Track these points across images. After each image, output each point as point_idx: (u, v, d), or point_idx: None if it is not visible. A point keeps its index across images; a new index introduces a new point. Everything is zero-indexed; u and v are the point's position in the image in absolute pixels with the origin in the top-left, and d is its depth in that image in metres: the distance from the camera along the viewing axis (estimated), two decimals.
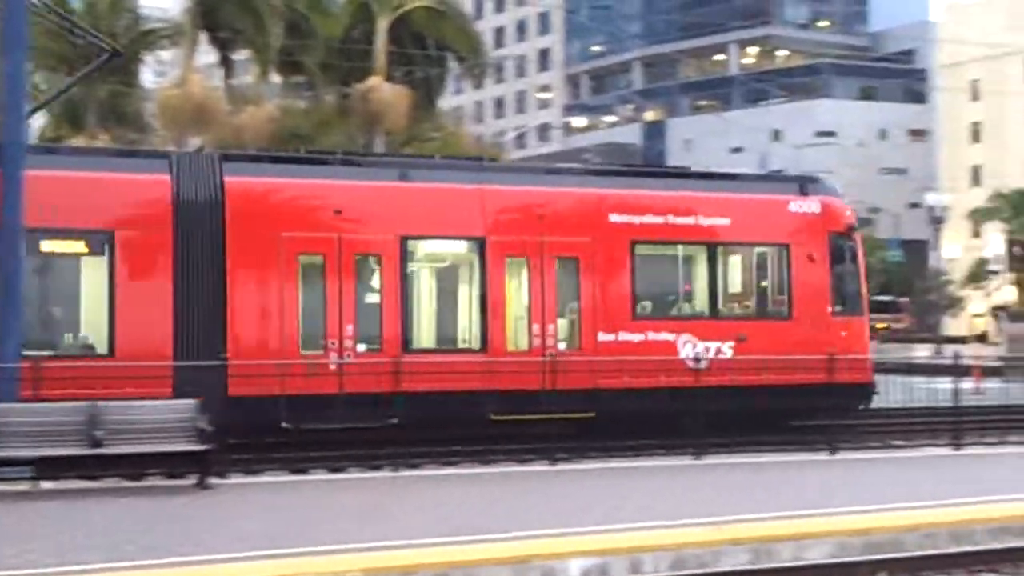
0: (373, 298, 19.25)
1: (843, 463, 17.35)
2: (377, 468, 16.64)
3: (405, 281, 19.35)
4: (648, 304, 20.66)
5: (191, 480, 14.52)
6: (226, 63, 45.23)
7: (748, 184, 22.92)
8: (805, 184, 22.29)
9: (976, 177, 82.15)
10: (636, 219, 20.55)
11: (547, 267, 19.88)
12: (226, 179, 18.57)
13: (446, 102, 59.41)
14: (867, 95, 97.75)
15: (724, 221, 21.17)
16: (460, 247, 20.19)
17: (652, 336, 20.30)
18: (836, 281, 21.64)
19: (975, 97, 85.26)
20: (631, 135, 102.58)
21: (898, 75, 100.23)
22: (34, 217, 15.71)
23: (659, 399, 19.04)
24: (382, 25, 42.87)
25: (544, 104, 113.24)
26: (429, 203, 19.59)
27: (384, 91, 41.40)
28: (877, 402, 22.03)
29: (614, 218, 20.41)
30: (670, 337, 20.35)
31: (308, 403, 17.75)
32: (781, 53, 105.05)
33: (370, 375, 17.67)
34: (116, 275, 17.79)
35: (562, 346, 19.76)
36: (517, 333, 19.84)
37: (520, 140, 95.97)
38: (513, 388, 18.59)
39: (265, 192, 18.89)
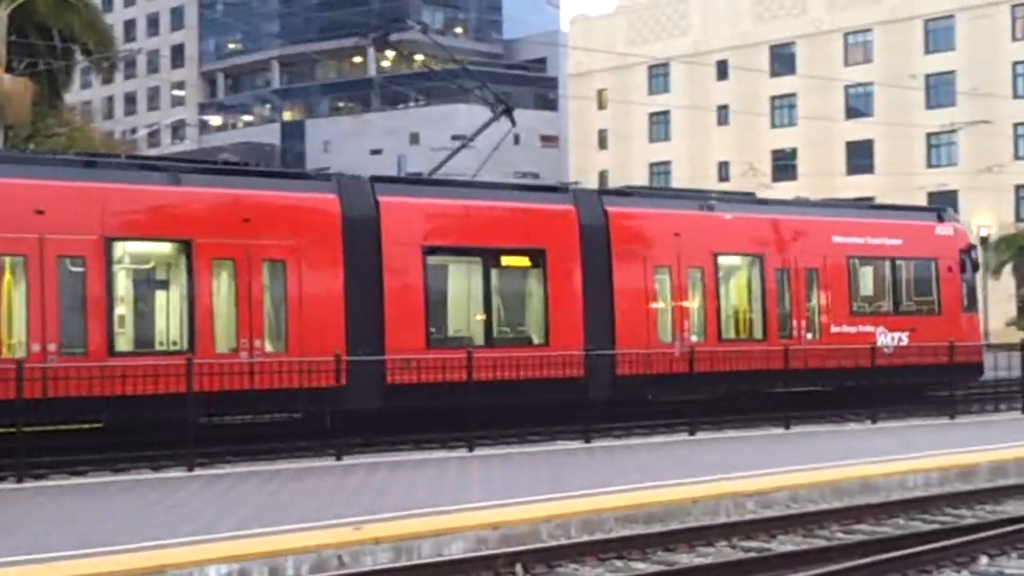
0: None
1: (480, 458, 17.71)
2: (2, 479, 15.68)
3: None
4: (859, 304, 26.46)
5: None
6: None
7: (908, 213, 29.84)
8: (941, 213, 29.19)
9: (603, 181, 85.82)
10: (849, 240, 26.38)
11: (799, 276, 25.43)
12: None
13: (74, 96, 56.84)
14: (502, 101, 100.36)
15: (898, 241, 27.21)
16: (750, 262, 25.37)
17: (862, 328, 25.92)
18: (964, 286, 27.68)
19: (602, 105, 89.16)
20: (269, 135, 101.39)
21: (530, 83, 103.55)
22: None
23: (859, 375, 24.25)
24: (1, 14, 40.51)
25: (178, 101, 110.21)
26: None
27: (4, 83, 39.11)
28: None
29: (836, 239, 26.13)
30: (872, 329, 25.97)
31: None
32: (418, 57, 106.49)
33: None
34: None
35: (809, 336, 25.15)
36: (783, 327, 25.10)
37: (153, 138, 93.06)
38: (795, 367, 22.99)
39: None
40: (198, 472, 16.28)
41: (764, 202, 28.03)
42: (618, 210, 23.59)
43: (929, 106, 74.87)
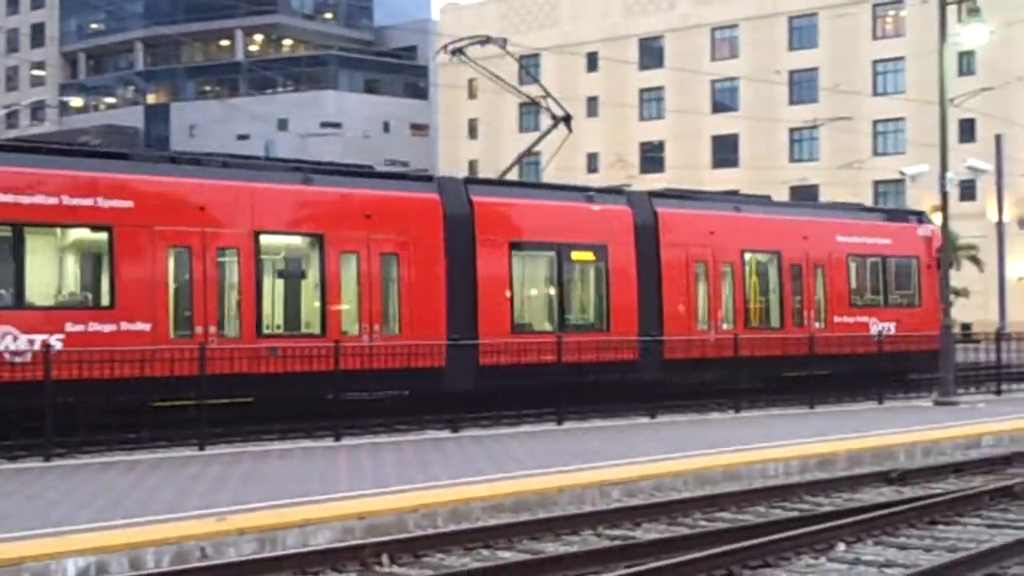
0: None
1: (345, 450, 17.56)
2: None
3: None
4: (857, 296, 29.20)
5: None
6: None
7: (895, 215, 32.85)
8: (921, 216, 32.12)
9: (472, 170, 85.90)
10: (849, 239, 29.10)
11: (809, 271, 28.16)
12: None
13: None
14: (371, 88, 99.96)
15: (888, 241, 30.04)
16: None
17: (859, 319, 28.80)
18: (938, 282, 28.89)
19: (472, 95, 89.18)
20: (133, 118, 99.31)
21: (401, 70, 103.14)
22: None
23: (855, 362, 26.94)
24: None
25: (38, 82, 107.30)
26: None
27: None
28: None
29: (839, 239, 28.91)
30: (866, 319, 28.80)
31: None
32: (287, 42, 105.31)
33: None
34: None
35: (817, 325, 27.72)
36: (796, 317, 27.98)
37: (12, 119, 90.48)
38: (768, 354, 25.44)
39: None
40: (56, 463, 15.87)
41: (780, 204, 31.53)
42: (666, 211, 26.26)
43: (792, 102, 76.48)
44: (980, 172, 50.30)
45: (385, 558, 10.69)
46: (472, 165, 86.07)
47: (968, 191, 62.37)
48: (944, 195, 26.62)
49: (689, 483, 14.87)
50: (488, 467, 15.18)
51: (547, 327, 23.94)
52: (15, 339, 18.08)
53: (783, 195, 63.77)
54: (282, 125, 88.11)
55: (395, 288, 22.15)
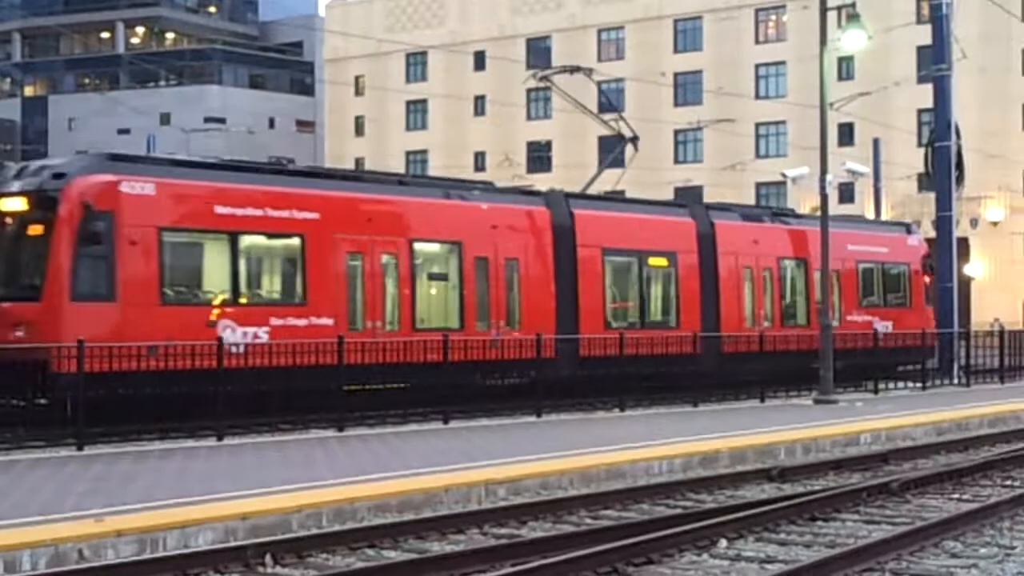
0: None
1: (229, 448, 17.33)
2: None
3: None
4: (863, 298, 33.01)
5: None
6: None
7: (890, 226, 37.44)
8: (909, 227, 36.58)
9: (359, 168, 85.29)
10: (857, 248, 32.73)
11: (811, 276, 31.11)
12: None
13: None
14: (256, 84, 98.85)
15: (886, 249, 34.04)
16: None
17: (865, 317, 32.30)
18: (925, 285, 34.14)
19: (359, 92, 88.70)
20: (9, 110, 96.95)
21: (287, 66, 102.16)
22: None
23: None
24: None
25: None
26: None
27: None
28: None
29: (849, 247, 32.02)
30: (870, 318, 32.30)
31: None
32: (170, 35, 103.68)
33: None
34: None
35: (834, 323, 28.60)
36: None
37: None
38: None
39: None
40: None
41: (803, 216, 34.46)
42: (721, 222, 29.90)
43: (677, 104, 77.35)
44: (858, 175, 51.40)
45: (269, 559, 10.56)
46: (359, 163, 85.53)
47: (847, 193, 63.67)
48: (824, 197, 27.09)
49: (575, 481, 14.94)
50: (374, 466, 15.09)
51: (631, 324, 27.46)
52: (233, 331, 20.83)
53: (668, 195, 64.51)
54: (165, 119, 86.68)
55: (515, 289, 25.64)
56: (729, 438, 18.48)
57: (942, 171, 33.43)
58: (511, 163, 75.24)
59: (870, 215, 50.82)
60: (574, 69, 30.81)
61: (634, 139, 32.59)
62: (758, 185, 73.20)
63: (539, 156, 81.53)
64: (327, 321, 22.19)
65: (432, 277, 24.82)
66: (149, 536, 10.90)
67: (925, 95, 44.68)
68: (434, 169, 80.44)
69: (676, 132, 76.39)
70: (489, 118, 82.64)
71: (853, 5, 29.89)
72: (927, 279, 35.05)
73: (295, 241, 22.34)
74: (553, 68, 32.43)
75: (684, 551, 10.99)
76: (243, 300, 21.71)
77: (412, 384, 22.44)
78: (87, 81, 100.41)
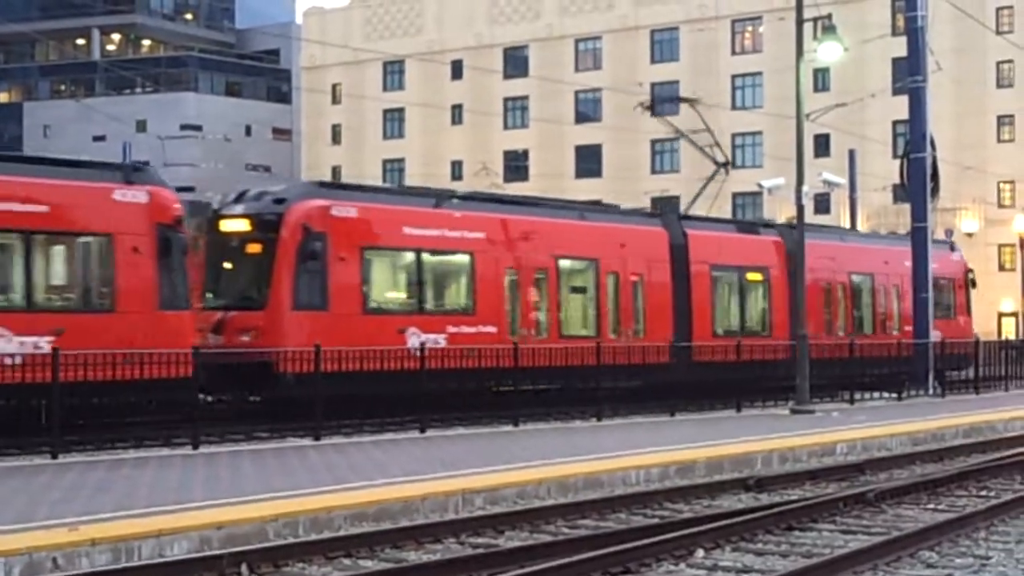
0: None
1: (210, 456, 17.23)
2: None
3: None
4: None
5: None
6: None
7: (938, 244, 37.14)
8: (952, 244, 40.02)
9: (336, 177, 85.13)
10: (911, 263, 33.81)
11: (888, 289, 35.93)
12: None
13: None
14: (233, 91, 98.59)
15: (935, 265, 34.18)
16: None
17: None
18: (967, 298, 39.03)
19: (336, 100, 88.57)
20: None
21: (263, 74, 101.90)
22: None
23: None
24: None
25: None
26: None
27: None
28: None
29: (906, 264, 33.36)
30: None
31: None
32: (146, 42, 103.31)
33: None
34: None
35: (895, 332, 34.59)
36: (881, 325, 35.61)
37: None
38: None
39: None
40: None
41: (869, 235, 38.01)
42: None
43: (654, 113, 77.36)
44: (834, 186, 51.56)
45: (244, 568, 10.50)
46: (335, 171, 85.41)
47: (823, 204, 63.88)
48: (800, 208, 27.21)
49: (552, 491, 14.92)
50: (350, 475, 15.03)
51: (733, 332, 30.25)
52: (418, 337, 23.39)
53: (645, 205, 64.59)
54: (140, 127, 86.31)
55: (640, 301, 28.59)
56: (706, 448, 18.49)
57: (917, 182, 33.55)
58: (488, 172, 75.22)
59: (846, 226, 51.03)
60: (685, 100, 35.86)
61: (726, 164, 35.84)
62: (734, 195, 73.33)
63: (516, 165, 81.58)
64: (491, 329, 25.33)
65: (574, 290, 27.96)
66: (124, 545, 10.81)
67: (900, 107, 45.04)
68: (411, 177, 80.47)
69: (653, 142, 76.54)
70: (466, 127, 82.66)
71: (829, 17, 29.95)
72: (967, 292, 38.90)
73: (466, 258, 25.63)
74: (666, 99, 36.97)
75: (661, 561, 10.98)
76: (426, 310, 24.97)
77: (560, 386, 24.89)
78: (62, 88, 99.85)
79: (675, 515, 13.71)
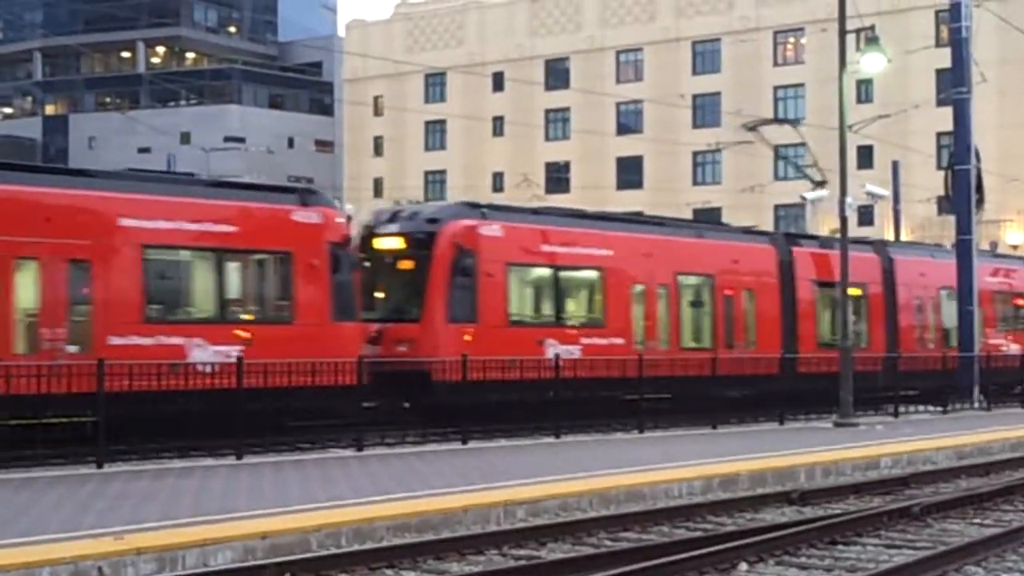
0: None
1: (250, 466, 17.31)
2: None
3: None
4: (1000, 324, 38.08)
5: None
6: None
7: (1010, 259, 42.19)
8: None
9: (378, 188, 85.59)
10: (993, 280, 37.67)
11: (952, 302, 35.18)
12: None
13: None
14: (276, 103, 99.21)
15: (1014, 281, 39.30)
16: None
17: (998, 340, 37.14)
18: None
19: (378, 112, 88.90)
20: (30, 129, 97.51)
21: (305, 86, 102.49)
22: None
23: None
24: None
25: None
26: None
27: None
28: None
29: (986, 279, 36.12)
30: (1002, 341, 37.48)
31: None
32: (190, 55, 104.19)
33: None
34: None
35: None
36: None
37: None
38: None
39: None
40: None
41: (945, 249, 39.16)
42: (898, 257, 34.58)
43: (696, 125, 77.26)
44: (878, 197, 51.29)
45: None
46: (377, 183, 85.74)
47: (866, 216, 63.51)
48: (843, 220, 27.06)
49: (594, 503, 14.88)
50: (392, 486, 15.06)
51: (834, 344, 29.90)
52: (555, 349, 24.85)
53: (688, 216, 64.41)
54: (184, 139, 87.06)
55: (751, 315, 30.14)
56: (749, 460, 18.39)
57: (962, 194, 33.32)
58: (530, 184, 75.25)
59: (890, 238, 50.69)
60: (781, 121, 36.94)
61: (823, 182, 36.87)
62: (776, 207, 73.09)
63: (558, 177, 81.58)
64: (619, 341, 26.78)
65: (692, 304, 29.23)
66: (169, 554, 10.87)
67: (944, 118, 44.71)
68: (452, 189, 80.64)
69: (695, 154, 76.36)
70: (508, 139, 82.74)
71: (872, 28, 29.74)
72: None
73: (597, 273, 27.09)
74: (758, 120, 39.59)
75: (704, 574, 10.94)
76: (563, 322, 26.40)
77: (676, 395, 26.33)
78: (107, 100, 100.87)
79: (718, 528, 13.65)
